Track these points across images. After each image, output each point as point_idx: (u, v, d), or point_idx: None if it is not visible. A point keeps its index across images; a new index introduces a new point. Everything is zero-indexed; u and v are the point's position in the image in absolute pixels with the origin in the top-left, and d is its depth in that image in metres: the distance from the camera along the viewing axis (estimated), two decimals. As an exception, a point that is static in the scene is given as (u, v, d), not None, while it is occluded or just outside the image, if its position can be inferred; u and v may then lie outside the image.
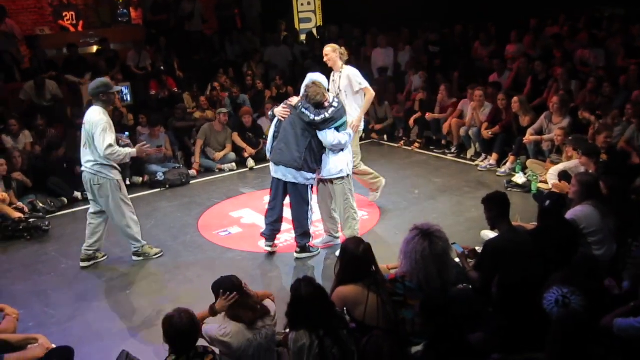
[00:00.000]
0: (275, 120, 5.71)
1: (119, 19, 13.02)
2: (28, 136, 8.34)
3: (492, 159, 8.35)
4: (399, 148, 9.84)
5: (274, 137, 5.66)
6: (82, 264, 5.88)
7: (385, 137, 10.28)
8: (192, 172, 8.72)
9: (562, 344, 2.79)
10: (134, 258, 5.97)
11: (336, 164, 5.64)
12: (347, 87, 6.40)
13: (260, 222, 6.31)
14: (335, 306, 3.54)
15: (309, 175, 5.60)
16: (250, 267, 5.77)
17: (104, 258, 6.01)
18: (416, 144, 9.70)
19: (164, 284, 5.54)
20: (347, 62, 6.56)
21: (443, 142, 9.46)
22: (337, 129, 5.53)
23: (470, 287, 4.31)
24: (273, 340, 3.63)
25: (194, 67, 11.47)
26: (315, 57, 12.06)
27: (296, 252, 5.85)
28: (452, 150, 9.20)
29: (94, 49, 11.80)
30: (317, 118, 5.44)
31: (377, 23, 12.24)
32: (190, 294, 5.19)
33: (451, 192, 7.54)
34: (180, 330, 3.18)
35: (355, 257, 3.72)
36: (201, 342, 3.38)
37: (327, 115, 5.44)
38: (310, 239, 5.92)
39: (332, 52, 6.40)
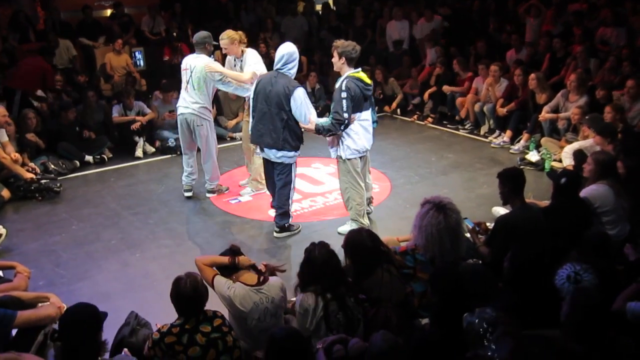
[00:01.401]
0: (251, 95, 5.48)
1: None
2: (41, 94, 8.33)
3: (506, 136, 8.26)
4: (412, 122, 9.75)
5: (253, 116, 5.50)
6: (186, 194, 6.67)
7: (398, 111, 10.18)
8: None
9: (577, 322, 2.76)
10: (208, 195, 6.64)
11: (332, 145, 5.46)
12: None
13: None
14: (344, 274, 3.55)
15: (292, 153, 5.42)
16: (259, 235, 5.78)
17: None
18: (429, 119, 9.61)
19: (173, 248, 5.56)
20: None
21: (457, 117, 9.36)
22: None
23: (480, 262, 4.30)
24: (280, 306, 3.64)
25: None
26: (331, 28, 11.93)
27: (275, 231, 5.70)
28: (466, 126, 9.10)
29: (108, 12, 11.72)
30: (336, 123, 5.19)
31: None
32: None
33: (463, 168, 7.49)
34: (185, 295, 3.18)
35: (366, 247, 3.69)
36: (212, 306, 3.39)
37: (344, 116, 5.17)
38: (290, 219, 5.75)
39: (228, 45, 6.12)
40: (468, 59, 9.82)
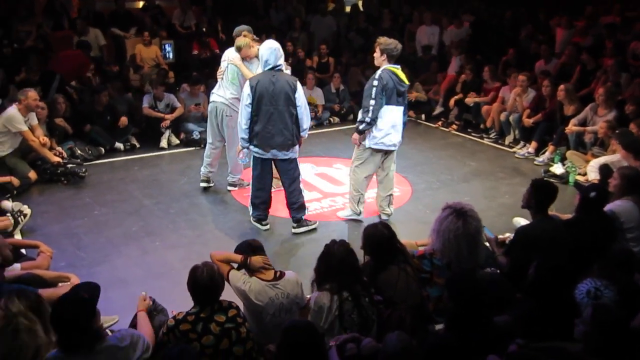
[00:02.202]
0: (249, 101, 5.32)
1: (168, -24, 13.02)
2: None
3: (531, 147, 8.17)
4: (436, 128, 9.71)
5: (252, 120, 5.36)
6: (202, 184, 6.74)
7: (423, 116, 10.15)
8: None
9: (596, 338, 2.74)
10: (229, 188, 6.69)
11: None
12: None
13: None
14: (361, 273, 3.55)
15: (296, 146, 5.53)
16: (278, 231, 5.80)
17: (213, 184, 6.79)
18: (454, 126, 9.56)
19: (193, 238, 5.61)
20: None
21: (482, 126, 9.29)
22: None
23: (499, 271, 4.27)
24: (295, 302, 3.65)
25: (237, 30, 11.44)
26: (359, 30, 11.94)
27: (293, 227, 5.72)
28: (491, 135, 9.03)
29: (140, 4, 11.86)
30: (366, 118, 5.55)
31: (428, 1, 12.01)
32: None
33: (485, 177, 7.43)
34: (200, 283, 3.23)
35: (384, 239, 3.72)
36: (227, 297, 3.42)
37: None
38: (306, 211, 5.83)
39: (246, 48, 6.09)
40: (497, 67, 9.75)
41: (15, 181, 6.29)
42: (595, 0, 10.63)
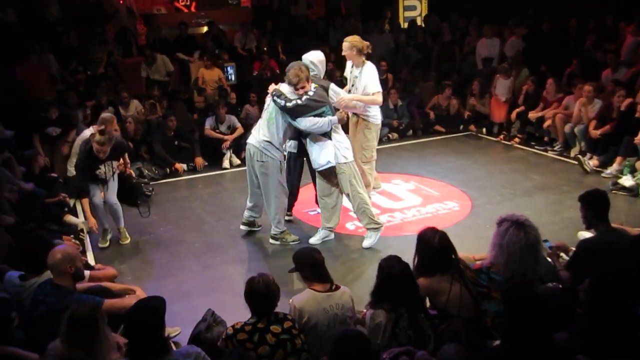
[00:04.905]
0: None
1: (229, 2, 13.50)
2: (137, 105, 8.91)
3: (616, 164, 7.61)
4: (498, 142, 9.53)
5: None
6: (242, 227, 6.15)
7: (484, 130, 9.99)
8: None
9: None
10: (271, 241, 5.88)
11: (322, 155, 5.53)
12: (364, 89, 6.22)
13: (346, 203, 6.19)
14: (417, 288, 3.54)
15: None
16: (334, 247, 5.84)
17: (259, 228, 6.18)
18: (516, 139, 9.35)
19: (252, 254, 5.77)
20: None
21: (546, 138, 9.04)
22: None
23: (560, 286, 4.15)
24: (349, 315, 3.68)
25: (297, 50, 11.68)
26: (417, 46, 11.92)
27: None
28: (555, 148, 8.77)
29: (204, 29, 12.34)
30: (288, 104, 5.36)
31: (483, 14, 11.87)
32: (276, 267, 5.34)
33: (549, 190, 7.23)
34: (257, 293, 3.32)
35: (433, 248, 3.68)
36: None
37: (298, 102, 5.34)
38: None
39: (348, 50, 6.21)
40: (561, 78, 9.48)
41: (68, 200, 6.53)
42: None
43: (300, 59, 5.89)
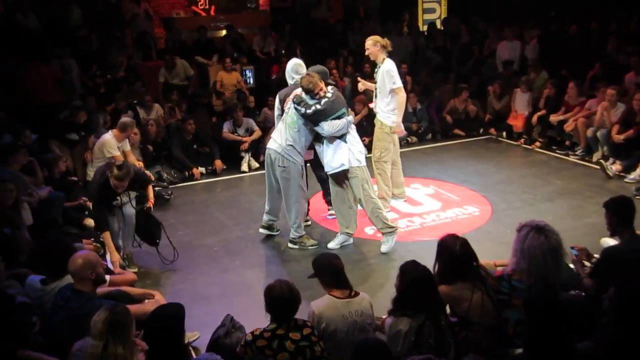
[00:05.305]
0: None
1: (248, 5, 13.55)
2: (159, 109, 8.98)
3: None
4: (519, 146, 9.42)
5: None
6: (261, 230, 6.12)
7: (504, 133, 9.89)
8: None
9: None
10: (290, 245, 5.88)
11: (335, 158, 5.51)
12: (381, 85, 6.27)
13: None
14: (439, 295, 3.50)
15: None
16: (353, 252, 5.82)
17: (277, 233, 6.17)
18: (537, 143, 9.23)
19: (270, 258, 5.76)
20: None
21: (567, 142, 8.91)
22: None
23: (583, 294, 4.08)
24: (368, 321, 3.66)
25: (315, 53, 11.69)
26: (437, 49, 11.85)
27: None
28: (577, 152, 8.64)
29: (222, 32, 12.39)
30: (308, 111, 5.36)
31: (503, 16, 11.77)
32: (294, 272, 5.37)
33: (571, 195, 7.12)
34: (279, 298, 3.31)
35: (454, 255, 3.64)
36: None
37: (318, 107, 5.34)
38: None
39: (372, 46, 6.29)
40: (582, 81, 9.36)
41: (88, 203, 6.52)
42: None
43: (319, 63, 6.07)
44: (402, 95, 6.33)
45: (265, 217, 6.06)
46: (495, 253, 5.17)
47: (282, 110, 5.81)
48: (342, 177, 5.60)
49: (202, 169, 8.38)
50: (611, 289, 3.34)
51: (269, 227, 6.09)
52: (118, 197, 5.34)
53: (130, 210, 5.45)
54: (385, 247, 5.72)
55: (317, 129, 5.48)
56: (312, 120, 5.43)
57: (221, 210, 7.04)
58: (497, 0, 12.18)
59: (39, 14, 10.34)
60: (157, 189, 7.28)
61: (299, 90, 5.55)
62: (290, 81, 6.00)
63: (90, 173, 7.13)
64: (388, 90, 6.28)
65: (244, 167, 8.57)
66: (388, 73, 6.23)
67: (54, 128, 7.79)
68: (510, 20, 11.46)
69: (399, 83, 6.26)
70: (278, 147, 5.54)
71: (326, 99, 5.39)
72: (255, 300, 4.79)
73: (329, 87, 5.53)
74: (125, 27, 11.34)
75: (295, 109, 5.45)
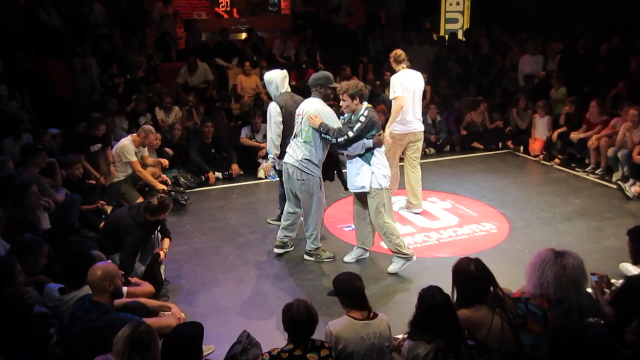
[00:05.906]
0: (280, 119, 5.87)
1: (270, 8, 13.56)
2: (178, 112, 9.00)
3: None
4: (537, 162, 9.33)
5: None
6: (276, 250, 6.01)
7: (521, 148, 9.80)
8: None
9: None
10: (306, 257, 5.88)
11: (357, 178, 5.44)
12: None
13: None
14: (459, 320, 3.46)
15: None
16: (368, 266, 5.78)
17: (292, 248, 6.09)
18: (557, 160, 9.14)
19: (286, 269, 5.72)
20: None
21: (587, 160, 8.80)
22: None
23: (602, 322, 4.01)
24: (386, 344, 3.63)
25: (335, 60, 11.66)
26: (459, 59, 11.78)
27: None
28: (597, 172, 8.53)
29: (243, 35, 12.41)
30: (339, 139, 5.26)
31: (527, 29, 11.66)
32: (310, 285, 5.36)
33: (591, 216, 7.03)
34: (297, 319, 3.29)
35: (471, 276, 3.59)
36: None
37: (349, 136, 5.24)
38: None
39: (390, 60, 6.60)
40: (604, 99, 9.24)
41: (106, 207, 6.62)
42: None
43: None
44: (399, 104, 6.48)
45: (280, 234, 5.98)
46: (511, 273, 5.11)
47: (283, 119, 5.86)
48: (364, 195, 5.57)
49: (218, 174, 8.39)
50: (634, 323, 3.29)
51: (283, 245, 6.01)
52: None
53: (153, 242, 5.40)
54: (392, 267, 5.60)
55: (341, 150, 5.58)
56: (341, 147, 5.44)
57: (237, 218, 7.02)
58: (521, 12, 12.02)
59: (61, 12, 10.43)
60: (173, 193, 7.33)
61: (312, 111, 5.39)
62: (275, 92, 6.07)
63: (115, 179, 7.15)
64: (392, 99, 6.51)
65: (261, 173, 8.55)
66: (391, 84, 6.53)
67: (74, 142, 7.53)
68: (534, 33, 11.36)
69: (398, 92, 6.46)
70: (295, 161, 5.52)
71: (359, 124, 5.26)
72: (271, 314, 4.81)
73: (365, 105, 5.39)
74: (145, 27, 11.39)
75: (323, 138, 5.37)
